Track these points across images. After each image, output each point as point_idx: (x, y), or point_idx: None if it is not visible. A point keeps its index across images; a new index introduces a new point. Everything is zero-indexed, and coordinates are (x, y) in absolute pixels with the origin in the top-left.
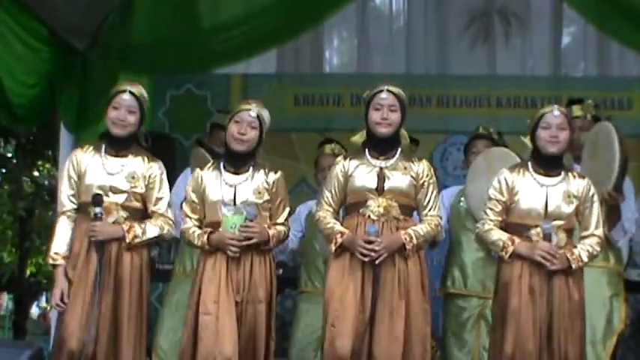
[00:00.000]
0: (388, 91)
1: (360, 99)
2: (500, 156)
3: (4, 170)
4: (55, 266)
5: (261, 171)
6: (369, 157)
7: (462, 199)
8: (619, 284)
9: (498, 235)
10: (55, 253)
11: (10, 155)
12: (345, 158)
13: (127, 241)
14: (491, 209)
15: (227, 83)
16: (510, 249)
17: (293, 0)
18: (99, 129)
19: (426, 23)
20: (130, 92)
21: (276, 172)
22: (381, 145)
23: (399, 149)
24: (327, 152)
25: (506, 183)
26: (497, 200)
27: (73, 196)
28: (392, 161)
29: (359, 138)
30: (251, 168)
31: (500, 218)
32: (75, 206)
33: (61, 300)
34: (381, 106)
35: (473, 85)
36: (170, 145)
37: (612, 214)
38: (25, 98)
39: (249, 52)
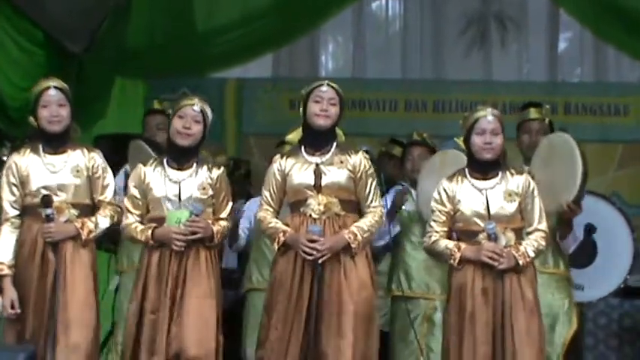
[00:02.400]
0: (329, 85)
1: (355, 103)
2: (454, 158)
3: None
4: (1, 276)
5: (205, 167)
6: (304, 153)
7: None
8: (568, 288)
9: (444, 244)
10: (1, 263)
11: (4, 158)
12: (281, 157)
13: (83, 238)
14: (435, 221)
15: (222, 87)
16: (457, 255)
17: (289, 5)
18: (92, 132)
19: (422, 28)
20: (55, 87)
21: (219, 168)
22: (317, 140)
23: (335, 144)
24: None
25: (446, 193)
26: (439, 211)
27: (15, 202)
28: (327, 156)
29: (295, 136)
30: (195, 164)
31: (445, 228)
32: (18, 212)
33: (12, 308)
34: (321, 99)
35: (469, 90)
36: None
37: (565, 226)
38: (20, 102)
39: (244, 56)
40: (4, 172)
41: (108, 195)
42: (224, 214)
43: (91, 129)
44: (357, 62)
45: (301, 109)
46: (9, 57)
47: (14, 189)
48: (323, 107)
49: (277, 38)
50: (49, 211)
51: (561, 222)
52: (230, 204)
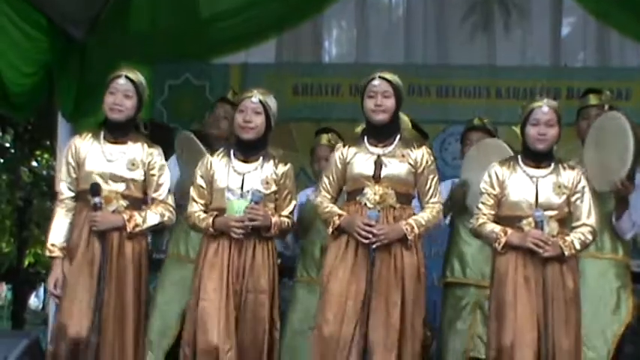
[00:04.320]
0: (381, 77)
1: (358, 88)
2: (494, 148)
3: (2, 160)
4: (52, 257)
5: (271, 162)
6: (367, 144)
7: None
8: (626, 276)
9: (491, 228)
10: (52, 245)
11: (8, 145)
12: (344, 145)
13: (128, 230)
14: (483, 203)
15: (226, 73)
16: (503, 240)
17: None
18: (97, 118)
19: (426, 13)
20: (126, 77)
21: (285, 164)
22: (378, 133)
23: (398, 136)
24: (324, 142)
25: (497, 176)
26: (488, 194)
27: (71, 184)
28: (390, 148)
29: (361, 129)
30: (261, 158)
31: (492, 212)
32: (73, 194)
33: (55, 288)
34: (374, 94)
35: (472, 75)
36: (168, 134)
37: (620, 205)
38: (22, 87)
39: (248, 41)
40: (65, 151)
41: (162, 193)
42: (286, 212)
43: (96, 114)
44: (361, 47)
45: (360, 102)
46: (11, 42)
47: (71, 170)
48: (377, 102)
49: (281, 23)
50: (96, 199)
51: (617, 202)
52: (293, 202)
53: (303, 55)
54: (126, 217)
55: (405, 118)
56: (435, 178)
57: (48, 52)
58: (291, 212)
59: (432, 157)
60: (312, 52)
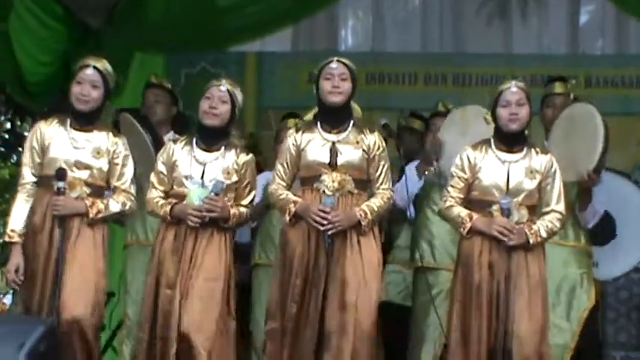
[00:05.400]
0: (338, 61)
1: (375, 77)
2: (475, 112)
3: (20, 149)
4: (11, 243)
5: (233, 151)
6: (321, 130)
7: (426, 172)
8: (588, 263)
9: (457, 212)
10: (12, 231)
11: (26, 134)
12: (297, 131)
13: (90, 216)
14: (453, 186)
15: (242, 61)
16: (468, 225)
17: None
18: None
19: (442, 1)
20: (94, 67)
21: (247, 154)
22: (332, 117)
23: (351, 122)
24: (290, 127)
25: (469, 160)
26: (459, 178)
27: (34, 168)
28: (344, 135)
29: (311, 116)
30: (223, 147)
31: (461, 195)
32: (35, 179)
33: (16, 274)
34: (331, 76)
35: (489, 64)
36: (184, 123)
37: (584, 195)
38: (39, 76)
39: (264, 30)
40: (29, 136)
41: (124, 182)
42: (245, 202)
43: (111, 103)
44: (377, 36)
45: (314, 87)
46: (29, 32)
47: (35, 155)
48: (334, 84)
49: (297, 12)
50: (60, 184)
51: (581, 192)
52: (253, 193)
53: (319, 43)
54: (88, 203)
55: (356, 107)
56: (387, 165)
57: (65, 41)
58: (250, 202)
59: (383, 144)
60: (328, 41)
